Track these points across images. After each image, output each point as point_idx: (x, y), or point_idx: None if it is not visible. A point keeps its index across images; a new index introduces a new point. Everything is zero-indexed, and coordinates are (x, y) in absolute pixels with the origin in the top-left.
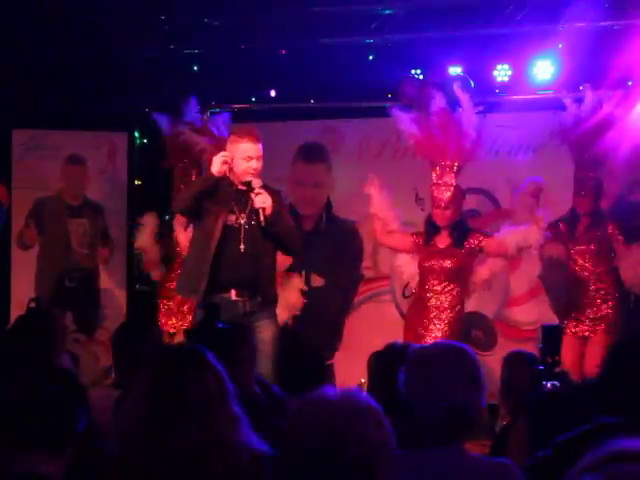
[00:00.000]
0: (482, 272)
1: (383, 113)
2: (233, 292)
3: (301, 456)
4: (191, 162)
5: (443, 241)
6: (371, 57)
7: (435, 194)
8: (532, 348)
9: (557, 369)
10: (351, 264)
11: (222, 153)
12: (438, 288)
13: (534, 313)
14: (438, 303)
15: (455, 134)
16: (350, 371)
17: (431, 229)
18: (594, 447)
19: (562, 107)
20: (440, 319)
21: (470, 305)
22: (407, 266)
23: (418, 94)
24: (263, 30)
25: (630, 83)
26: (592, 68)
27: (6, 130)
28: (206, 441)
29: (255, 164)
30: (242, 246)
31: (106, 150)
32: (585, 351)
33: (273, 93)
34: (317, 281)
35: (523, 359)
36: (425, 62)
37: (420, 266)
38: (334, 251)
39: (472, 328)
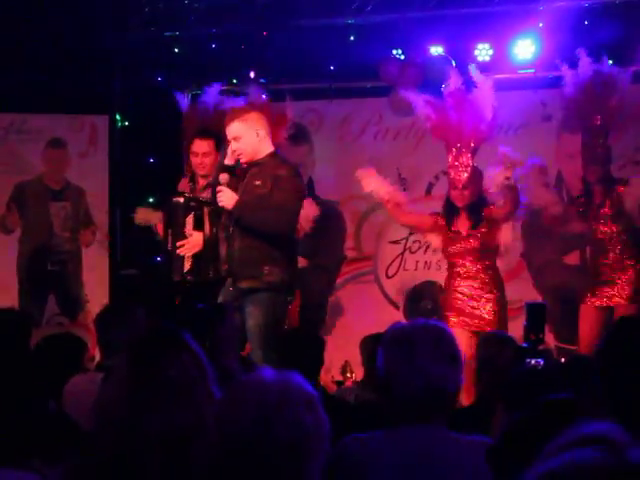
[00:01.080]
0: (506, 236)
1: (364, 93)
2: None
3: (231, 437)
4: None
5: (463, 225)
6: (352, 37)
7: (452, 175)
8: (515, 327)
9: (541, 347)
10: (334, 245)
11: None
12: (472, 269)
13: (517, 292)
14: (476, 285)
15: (471, 115)
16: (334, 351)
17: (450, 211)
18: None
19: (543, 86)
20: (483, 300)
21: None
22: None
23: (400, 74)
24: (244, 11)
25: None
26: (572, 47)
27: None
28: (185, 422)
29: (234, 145)
30: (230, 229)
31: (87, 133)
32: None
33: (252, 74)
34: (300, 262)
35: (502, 339)
36: (406, 42)
37: (445, 252)
38: (316, 232)
39: None
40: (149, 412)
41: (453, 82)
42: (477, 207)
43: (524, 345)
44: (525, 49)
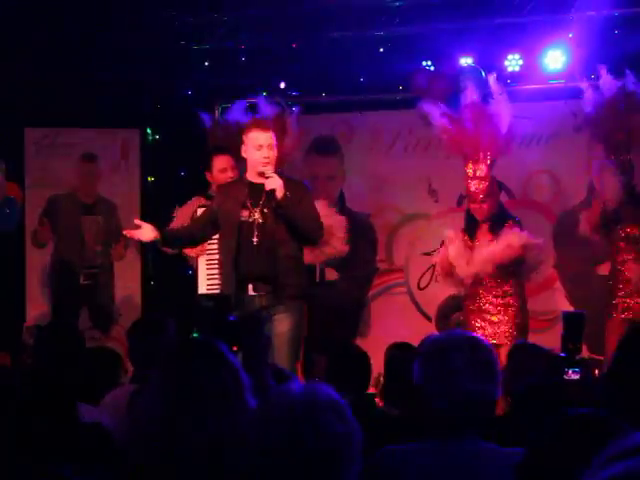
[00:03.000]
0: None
1: (394, 105)
2: (250, 287)
3: (263, 450)
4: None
5: (484, 237)
6: (381, 49)
7: (471, 188)
8: (548, 338)
9: (578, 356)
10: (365, 257)
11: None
12: (493, 284)
13: (550, 303)
14: (496, 300)
15: (488, 127)
16: None
17: (471, 224)
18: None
19: (574, 96)
20: (499, 310)
21: None
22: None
23: (429, 85)
24: (274, 24)
25: None
26: (603, 57)
27: (19, 128)
28: (221, 432)
29: (266, 152)
30: (255, 239)
31: (119, 147)
32: None
33: (282, 85)
34: (331, 274)
35: (536, 349)
36: (436, 53)
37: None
38: (348, 244)
39: None
40: (186, 422)
41: (470, 94)
42: (498, 219)
43: (562, 355)
44: (555, 59)
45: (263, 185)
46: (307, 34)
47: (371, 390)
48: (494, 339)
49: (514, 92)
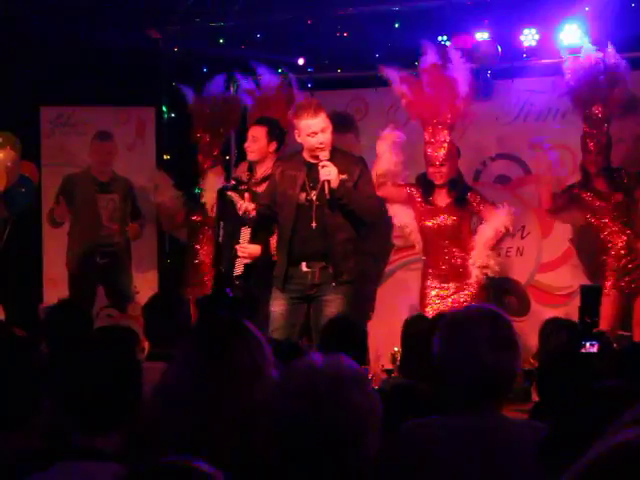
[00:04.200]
0: (486, 231)
1: None
2: (304, 264)
3: (286, 421)
4: (216, 135)
5: (443, 199)
6: (397, 25)
7: (429, 152)
8: (566, 312)
9: (595, 329)
10: (382, 233)
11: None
12: (445, 249)
13: (567, 278)
14: (449, 266)
15: (446, 91)
16: (383, 340)
17: (427, 187)
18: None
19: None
20: (458, 280)
21: (502, 271)
22: (401, 216)
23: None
24: (289, 0)
25: None
26: (619, 31)
27: (34, 107)
28: (253, 406)
29: (322, 137)
30: (314, 224)
31: (134, 125)
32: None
33: (301, 61)
34: None
35: (560, 322)
36: (452, 28)
37: (422, 226)
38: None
39: (505, 294)
40: (221, 397)
41: (428, 59)
42: (457, 184)
43: (579, 327)
44: (572, 34)
45: (316, 165)
46: (322, 10)
47: (388, 366)
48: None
49: (530, 67)
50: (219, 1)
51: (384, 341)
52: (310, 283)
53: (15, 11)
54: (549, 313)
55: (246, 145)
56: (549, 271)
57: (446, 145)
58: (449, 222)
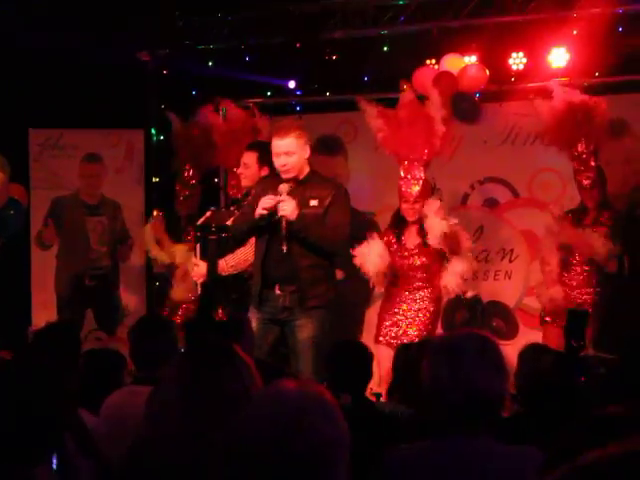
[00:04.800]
0: (449, 279)
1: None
2: (277, 287)
3: (250, 446)
4: (197, 165)
5: (413, 240)
6: (386, 48)
7: (403, 189)
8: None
9: (582, 353)
10: None
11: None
12: (411, 287)
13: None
14: (412, 304)
15: (423, 128)
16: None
17: (400, 224)
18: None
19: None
20: (415, 320)
21: (490, 294)
22: (368, 262)
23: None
24: (277, 24)
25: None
26: (607, 54)
27: (23, 130)
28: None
29: (284, 160)
30: (284, 247)
31: (123, 148)
32: None
33: (292, 84)
34: (338, 274)
35: (541, 348)
36: (440, 52)
37: (391, 266)
38: (352, 244)
39: (493, 317)
40: (208, 422)
41: (406, 95)
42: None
43: (565, 352)
44: (559, 57)
45: (294, 189)
46: (311, 33)
47: (376, 389)
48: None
49: (519, 90)
50: (208, 24)
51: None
52: (281, 306)
53: (3, 33)
54: (537, 337)
55: (239, 171)
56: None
57: (421, 182)
58: (418, 263)
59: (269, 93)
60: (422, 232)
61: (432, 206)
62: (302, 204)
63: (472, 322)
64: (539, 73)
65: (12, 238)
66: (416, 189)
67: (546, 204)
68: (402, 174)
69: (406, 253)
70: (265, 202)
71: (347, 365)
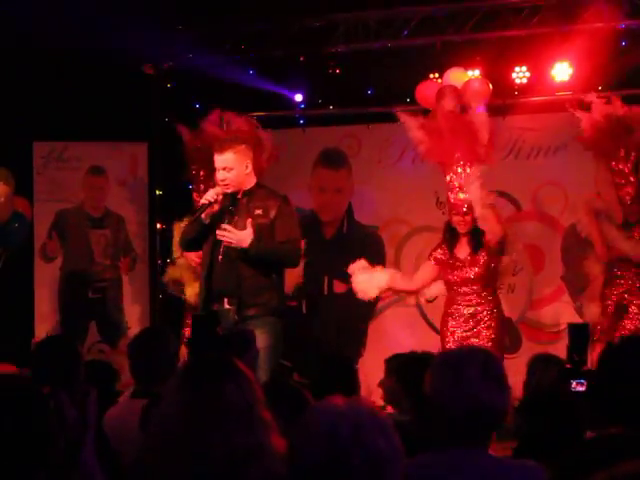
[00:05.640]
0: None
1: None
2: (225, 301)
3: (306, 467)
4: (210, 172)
5: (463, 251)
6: (389, 62)
7: (452, 200)
8: (557, 350)
9: (584, 368)
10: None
11: (211, 192)
12: (468, 299)
13: (559, 315)
14: (470, 314)
15: (466, 137)
16: (375, 376)
17: (451, 237)
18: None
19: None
20: (478, 330)
21: None
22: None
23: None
24: (281, 37)
25: None
26: (610, 69)
27: (27, 142)
28: (244, 445)
29: (222, 175)
30: (220, 257)
31: (127, 160)
32: None
33: (299, 97)
34: (340, 287)
35: (547, 359)
36: (443, 66)
37: (445, 279)
38: (356, 256)
39: None
40: (210, 436)
41: (447, 104)
42: (476, 232)
43: (567, 366)
44: (562, 71)
45: (239, 200)
46: (314, 47)
47: (379, 402)
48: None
49: (522, 104)
50: (213, 38)
51: (376, 377)
52: (232, 320)
53: (8, 46)
54: (540, 350)
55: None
56: (540, 308)
57: (468, 193)
58: (471, 275)
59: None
60: (471, 243)
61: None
62: (247, 215)
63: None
64: (542, 87)
65: (16, 250)
66: (465, 196)
67: (549, 217)
68: (449, 185)
69: (458, 263)
70: (208, 194)
71: (332, 379)
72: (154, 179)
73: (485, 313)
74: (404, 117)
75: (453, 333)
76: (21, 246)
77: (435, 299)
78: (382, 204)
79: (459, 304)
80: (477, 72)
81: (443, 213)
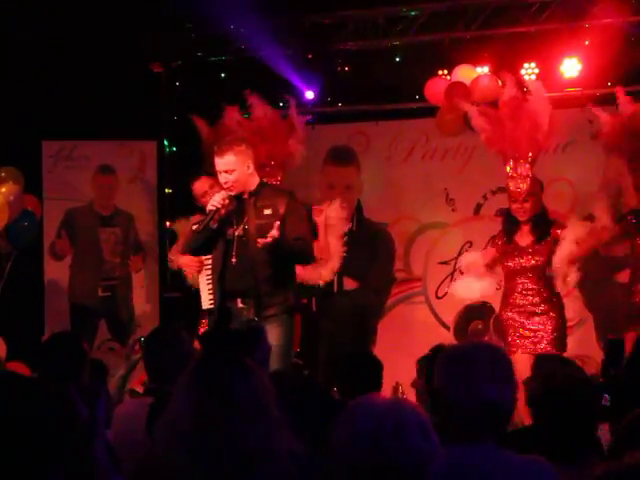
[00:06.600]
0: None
1: (411, 114)
2: (239, 300)
3: (348, 466)
4: None
5: (524, 239)
6: (398, 59)
7: (512, 188)
8: (568, 346)
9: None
10: (383, 266)
11: (217, 198)
12: (529, 287)
13: (568, 311)
14: (530, 303)
15: (527, 124)
16: (385, 373)
17: (510, 225)
18: None
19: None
20: (538, 320)
21: None
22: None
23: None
24: (290, 35)
25: None
26: (619, 64)
27: (36, 141)
28: (254, 445)
29: (224, 177)
30: (233, 259)
31: (136, 159)
32: None
33: (311, 94)
34: (350, 284)
35: (563, 360)
36: (452, 62)
37: (504, 266)
38: (366, 253)
39: None
40: (219, 434)
41: (508, 91)
42: (540, 221)
43: (601, 380)
44: (571, 67)
45: (245, 201)
46: (323, 44)
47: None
48: (532, 348)
49: None
50: (221, 36)
51: (385, 374)
52: (245, 319)
53: (17, 46)
54: None
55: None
56: None
57: (528, 180)
58: (532, 264)
59: (280, 104)
60: (535, 231)
61: (574, 230)
62: (256, 215)
63: (485, 332)
64: (551, 83)
65: (26, 249)
66: (524, 187)
67: (558, 214)
68: (509, 173)
69: (517, 252)
70: (215, 200)
71: (358, 375)
72: (163, 177)
73: (544, 304)
74: (464, 106)
75: (511, 321)
76: (31, 245)
77: (444, 296)
78: (391, 201)
79: (519, 292)
80: (486, 69)
81: (453, 210)
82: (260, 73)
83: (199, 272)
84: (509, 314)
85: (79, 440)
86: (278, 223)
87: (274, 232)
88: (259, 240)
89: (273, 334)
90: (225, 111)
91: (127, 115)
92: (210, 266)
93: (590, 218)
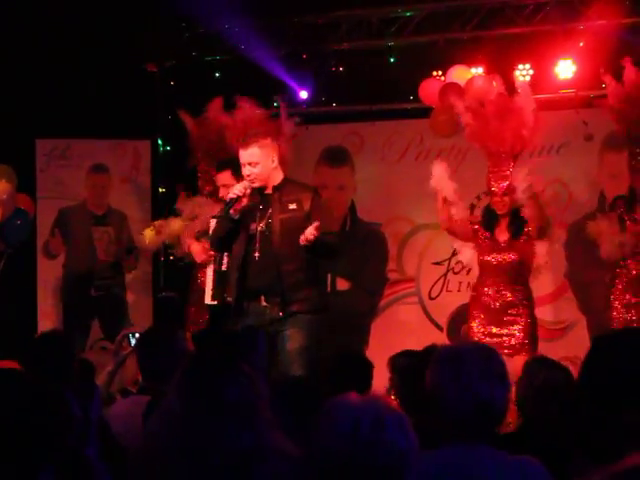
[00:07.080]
0: (540, 253)
1: (405, 115)
2: (262, 298)
3: (327, 463)
4: (215, 160)
5: (502, 234)
6: (392, 59)
7: (492, 182)
8: (559, 347)
9: None
10: (376, 267)
11: (238, 186)
12: (502, 284)
13: (561, 312)
14: (504, 301)
15: (512, 121)
16: (377, 373)
17: (490, 219)
18: None
19: (584, 105)
20: (510, 318)
21: None
22: (465, 251)
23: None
24: (284, 35)
25: None
26: (613, 66)
27: (29, 140)
28: (247, 445)
29: (248, 170)
30: (256, 254)
31: (130, 158)
32: None
33: (305, 94)
34: (342, 284)
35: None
36: (447, 63)
37: (480, 260)
38: (359, 254)
39: None
40: (211, 435)
41: (494, 90)
42: (517, 217)
43: None
44: (566, 69)
45: (270, 195)
46: (317, 44)
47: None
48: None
49: None
50: (215, 36)
51: (378, 374)
52: (269, 318)
53: (11, 44)
54: (544, 347)
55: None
56: (542, 305)
57: (509, 177)
58: (508, 259)
59: (275, 104)
60: (511, 227)
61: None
62: (280, 210)
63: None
64: (546, 85)
65: (19, 248)
66: (505, 183)
67: (552, 215)
68: (490, 168)
69: (495, 247)
70: (236, 188)
71: (348, 375)
72: (157, 176)
73: (518, 302)
74: (453, 99)
75: (480, 318)
76: (24, 243)
77: (437, 296)
78: (385, 201)
79: (490, 286)
80: (480, 70)
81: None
82: (254, 73)
83: (203, 262)
84: (479, 308)
85: (73, 440)
86: (318, 223)
87: (313, 231)
88: (301, 238)
89: (296, 338)
90: (209, 104)
91: (121, 114)
92: (213, 260)
93: (586, 218)
